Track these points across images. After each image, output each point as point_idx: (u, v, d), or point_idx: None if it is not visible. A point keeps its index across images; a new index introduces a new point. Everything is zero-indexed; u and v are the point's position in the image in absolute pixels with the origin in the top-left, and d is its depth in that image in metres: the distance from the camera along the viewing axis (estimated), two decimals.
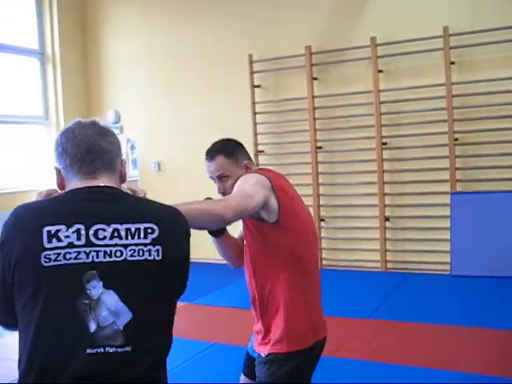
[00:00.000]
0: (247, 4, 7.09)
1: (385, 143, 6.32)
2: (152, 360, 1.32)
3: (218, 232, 2.21)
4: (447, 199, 5.94)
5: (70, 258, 1.27)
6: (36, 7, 8.09)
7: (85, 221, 1.31)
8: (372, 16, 6.35)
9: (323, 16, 6.65)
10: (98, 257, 1.28)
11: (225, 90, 7.25)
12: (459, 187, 6.04)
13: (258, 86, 7.05)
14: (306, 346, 2.14)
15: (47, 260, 1.27)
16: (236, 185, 2.07)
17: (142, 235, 1.32)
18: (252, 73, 7.01)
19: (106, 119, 8.30)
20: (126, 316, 1.28)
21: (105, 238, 1.29)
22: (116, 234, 1.30)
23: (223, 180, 2.20)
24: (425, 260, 6.15)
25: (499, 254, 5.54)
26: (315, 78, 6.68)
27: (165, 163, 7.81)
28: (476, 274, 5.56)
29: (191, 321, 4.46)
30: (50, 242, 1.28)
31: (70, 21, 8.26)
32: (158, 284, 1.34)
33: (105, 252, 1.28)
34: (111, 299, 1.27)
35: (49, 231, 1.28)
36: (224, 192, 2.18)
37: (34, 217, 1.34)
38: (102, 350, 1.25)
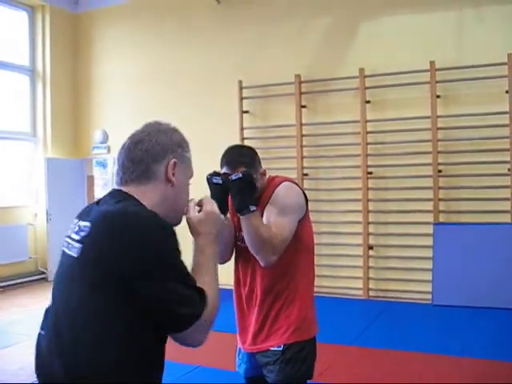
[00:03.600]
0: (238, 30, 7.22)
1: (370, 172, 6.42)
2: (62, 349, 1.28)
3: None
4: (430, 229, 6.03)
5: (64, 246, 1.41)
6: (29, 25, 8.17)
7: (79, 217, 1.43)
8: (361, 48, 6.50)
9: (313, 46, 6.79)
10: (67, 248, 1.38)
11: (214, 115, 7.32)
12: (442, 218, 6.13)
13: (247, 112, 7.13)
14: (315, 333, 2.31)
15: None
16: (283, 194, 2.22)
17: (80, 232, 1.35)
18: (241, 98, 7.10)
19: (94, 139, 8.33)
20: (52, 303, 1.38)
21: (74, 232, 1.38)
22: (76, 229, 1.38)
23: None
24: (407, 289, 6.20)
25: (480, 285, 5.62)
26: (304, 106, 6.78)
27: None
28: (457, 304, 5.62)
29: (174, 343, 4.43)
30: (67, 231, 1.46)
31: (61, 40, 8.34)
32: (77, 281, 1.29)
33: (69, 244, 1.37)
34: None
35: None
36: None
37: None
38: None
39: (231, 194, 2.15)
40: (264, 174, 2.32)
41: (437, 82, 6.02)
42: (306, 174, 6.79)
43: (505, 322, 5.15)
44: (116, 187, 1.48)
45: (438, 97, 6.04)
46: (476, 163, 5.94)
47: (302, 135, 6.78)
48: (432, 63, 5.99)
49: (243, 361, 2.37)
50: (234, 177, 2.11)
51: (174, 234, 1.36)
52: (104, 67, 8.30)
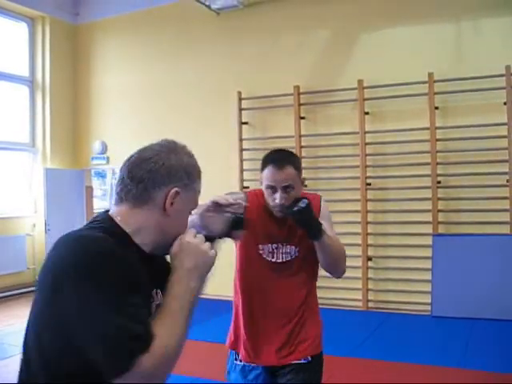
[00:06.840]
0: (237, 42, 7.26)
1: (369, 184, 6.42)
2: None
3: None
4: (429, 241, 6.02)
5: None
6: (29, 35, 8.20)
7: None
8: (360, 59, 6.53)
9: (312, 57, 6.82)
10: None
11: (213, 126, 7.34)
12: (441, 229, 6.13)
13: (246, 123, 7.14)
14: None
15: None
16: (327, 210, 2.29)
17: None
18: (240, 110, 7.12)
19: (93, 149, 8.34)
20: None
21: None
22: None
23: (288, 191, 2.14)
24: (406, 300, 6.19)
25: (479, 296, 5.61)
26: (302, 118, 6.80)
27: None
28: (456, 316, 5.61)
29: None
30: None
31: (61, 51, 8.37)
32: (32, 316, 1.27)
33: None
34: None
35: None
36: (284, 202, 2.13)
37: None
38: None
39: (299, 225, 2.12)
40: (303, 182, 2.29)
41: (435, 93, 6.04)
42: (305, 186, 6.76)
43: (504, 334, 5.14)
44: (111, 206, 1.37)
45: (437, 108, 6.06)
46: (475, 174, 5.95)
47: (301, 146, 6.79)
48: (430, 75, 6.02)
49: (238, 373, 2.30)
50: (302, 204, 2.06)
51: (118, 260, 1.17)
52: (103, 78, 8.32)
